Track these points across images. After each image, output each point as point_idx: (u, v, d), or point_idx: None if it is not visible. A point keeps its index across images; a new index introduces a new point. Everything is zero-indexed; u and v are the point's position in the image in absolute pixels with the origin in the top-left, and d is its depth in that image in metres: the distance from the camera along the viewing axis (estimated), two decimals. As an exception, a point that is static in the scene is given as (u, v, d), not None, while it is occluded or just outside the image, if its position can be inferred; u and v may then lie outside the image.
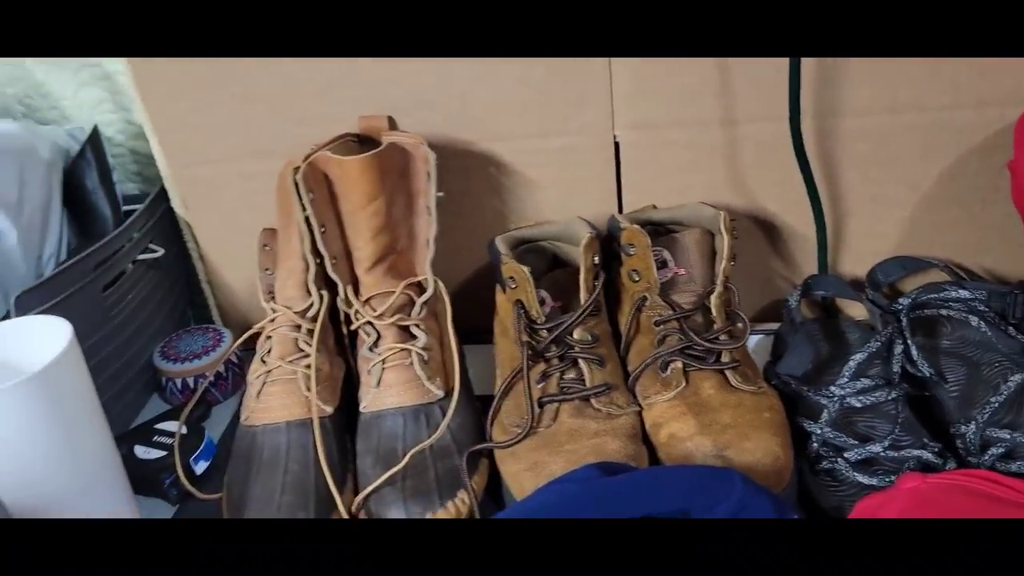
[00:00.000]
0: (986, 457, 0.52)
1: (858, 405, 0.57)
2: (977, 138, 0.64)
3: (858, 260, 0.71)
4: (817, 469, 0.56)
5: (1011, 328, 0.59)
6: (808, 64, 0.63)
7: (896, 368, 0.59)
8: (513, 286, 0.61)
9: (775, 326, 0.71)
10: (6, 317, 0.58)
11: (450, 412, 0.59)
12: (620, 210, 0.72)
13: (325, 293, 0.63)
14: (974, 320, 0.59)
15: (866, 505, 0.50)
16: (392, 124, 0.69)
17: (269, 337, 0.63)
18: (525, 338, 0.61)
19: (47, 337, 0.55)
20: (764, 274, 0.73)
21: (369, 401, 0.61)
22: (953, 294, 0.62)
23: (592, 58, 0.65)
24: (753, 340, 0.74)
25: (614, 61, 0.65)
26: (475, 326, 0.69)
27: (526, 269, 0.60)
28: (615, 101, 0.66)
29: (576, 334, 0.60)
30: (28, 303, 0.59)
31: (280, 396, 0.60)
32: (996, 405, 0.54)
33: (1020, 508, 0.46)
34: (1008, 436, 0.52)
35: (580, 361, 0.60)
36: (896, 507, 0.49)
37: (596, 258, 0.61)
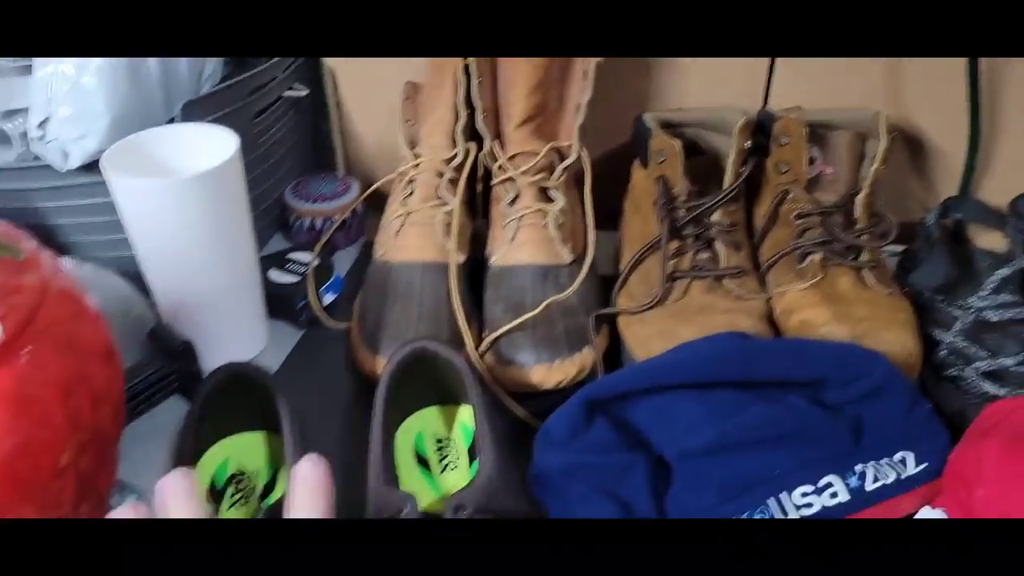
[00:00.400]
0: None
1: (995, 319, 0.56)
2: None
3: (999, 190, 0.69)
4: (943, 375, 0.56)
5: None
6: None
7: (1039, 290, 0.58)
8: (661, 160, 0.62)
9: (899, 248, 0.70)
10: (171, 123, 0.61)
11: (583, 272, 0.60)
12: (765, 106, 0.71)
13: (472, 145, 0.64)
14: None
15: (997, 409, 0.50)
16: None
17: (412, 180, 0.64)
18: (664, 213, 0.61)
19: (213, 144, 0.58)
20: (899, 192, 0.72)
21: (501, 255, 0.63)
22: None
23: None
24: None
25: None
26: (599, 206, 0.69)
27: (677, 143, 0.60)
28: (782, -9, 0.65)
29: (715, 216, 0.61)
30: (192, 113, 0.61)
31: (418, 237, 0.62)
32: None
33: None
34: None
35: (716, 243, 0.60)
36: (1031, 413, 0.49)
37: (748, 143, 0.61)
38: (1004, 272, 0.57)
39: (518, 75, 0.62)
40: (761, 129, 0.65)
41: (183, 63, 0.63)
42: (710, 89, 0.70)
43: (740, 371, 0.48)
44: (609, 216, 0.71)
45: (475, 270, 0.65)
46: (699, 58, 0.69)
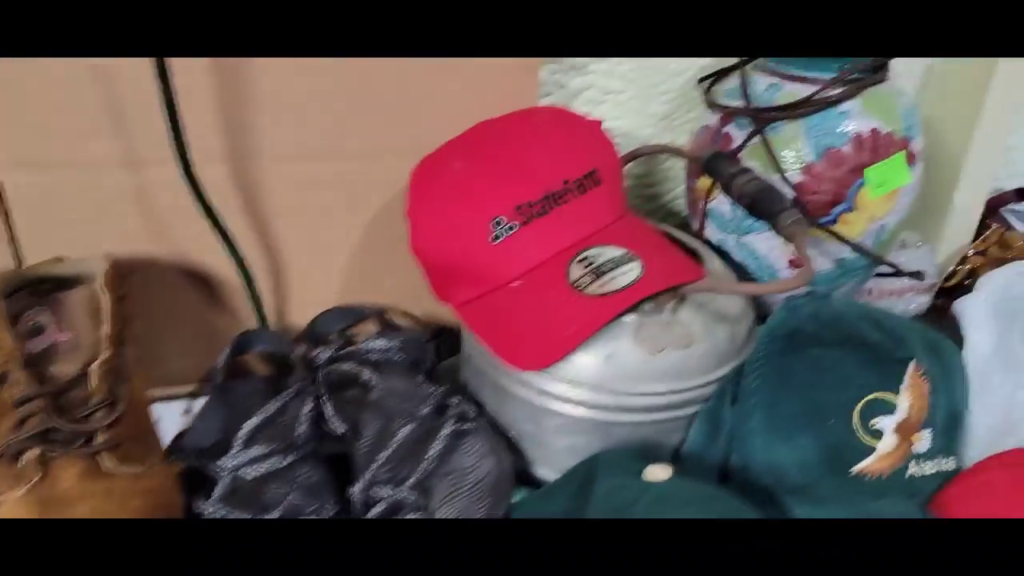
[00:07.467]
0: (370, 516, 0.50)
1: (252, 476, 0.52)
2: (397, 186, 0.64)
3: (305, 310, 0.68)
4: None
5: (420, 377, 0.60)
6: (214, 105, 0.58)
7: (301, 429, 0.55)
8: None
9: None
10: None
11: None
12: (20, 266, 0.60)
13: None
14: (366, 374, 0.58)
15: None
16: None
17: None
18: None
19: None
20: (207, 332, 0.67)
21: None
22: (372, 344, 0.61)
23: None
24: (199, 405, 0.67)
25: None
26: None
27: None
28: (-13, 135, 0.56)
29: None
30: None
31: None
32: (382, 461, 0.52)
33: None
34: (390, 492, 0.51)
35: (-98, 463, 0.47)
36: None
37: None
38: (251, 424, 0.53)
39: None
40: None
41: None
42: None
43: None
44: None
45: None
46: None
